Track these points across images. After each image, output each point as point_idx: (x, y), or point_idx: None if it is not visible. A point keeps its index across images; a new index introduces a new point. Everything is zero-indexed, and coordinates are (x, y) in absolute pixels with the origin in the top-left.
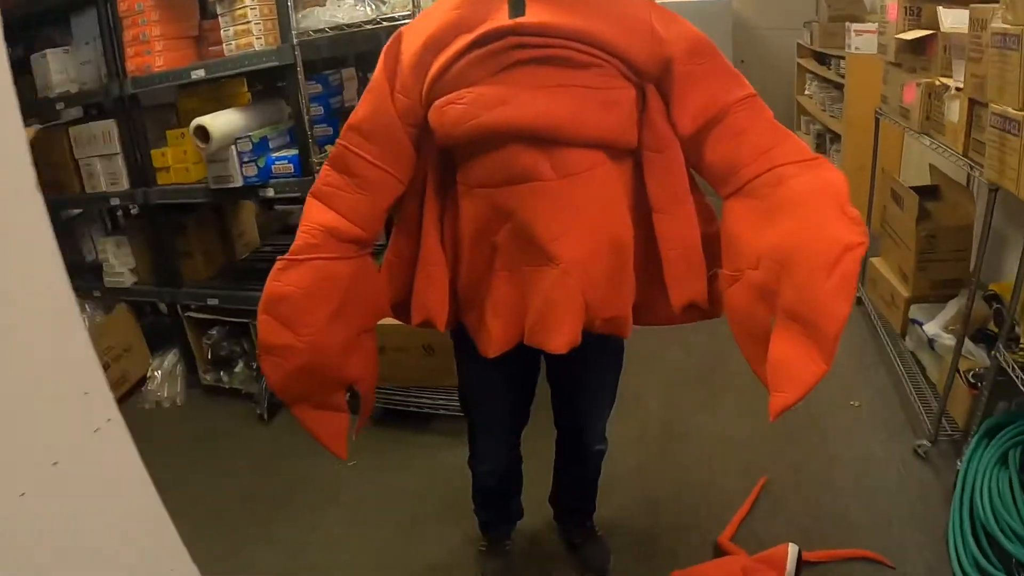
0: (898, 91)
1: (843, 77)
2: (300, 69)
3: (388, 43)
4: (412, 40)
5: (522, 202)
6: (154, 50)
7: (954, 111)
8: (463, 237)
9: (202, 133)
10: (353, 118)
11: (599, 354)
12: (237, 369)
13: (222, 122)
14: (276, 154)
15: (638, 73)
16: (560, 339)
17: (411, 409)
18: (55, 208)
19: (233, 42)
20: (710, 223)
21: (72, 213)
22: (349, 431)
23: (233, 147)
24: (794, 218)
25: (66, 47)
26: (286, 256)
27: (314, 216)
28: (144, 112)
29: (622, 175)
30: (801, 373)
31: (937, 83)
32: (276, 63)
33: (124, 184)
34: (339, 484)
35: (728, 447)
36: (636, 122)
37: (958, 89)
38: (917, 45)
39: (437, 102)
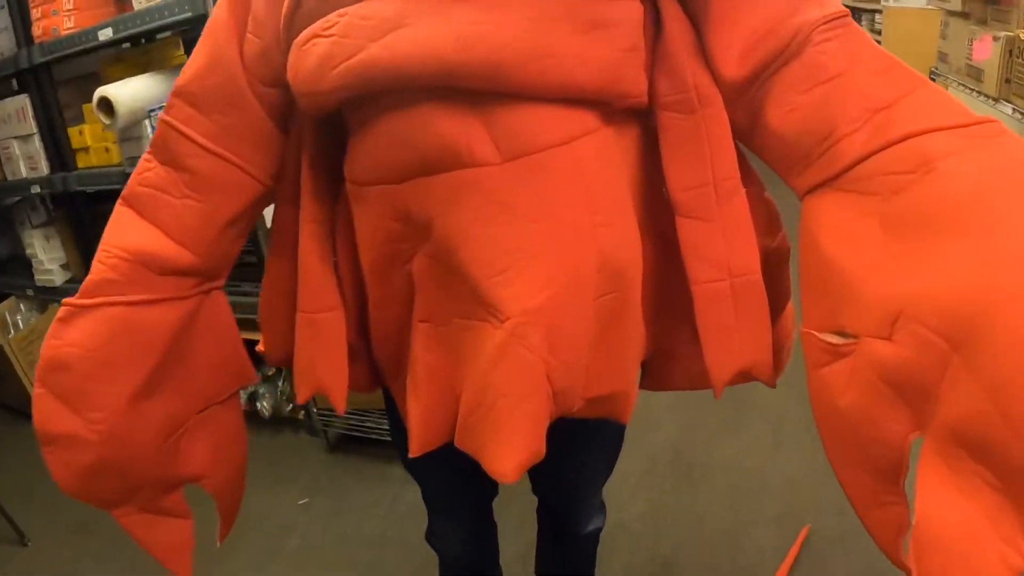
0: (964, 47)
1: (878, 35)
2: None
3: None
4: None
5: (443, 206)
6: (62, 9)
7: None
8: (363, 266)
9: (107, 106)
10: (180, 78)
11: (585, 437)
12: None
13: (131, 91)
14: None
15: None
16: (507, 458)
17: (372, 436)
18: None
19: None
20: (772, 234)
21: (15, 199)
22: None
23: (147, 121)
24: (964, 238)
25: None
26: (72, 299)
27: (118, 235)
28: (65, 85)
29: (622, 154)
30: (983, 558)
31: (1022, 36)
32: (189, 14)
33: (44, 169)
34: (287, 528)
35: (758, 486)
36: (646, 61)
37: None
38: None
39: (297, 40)
